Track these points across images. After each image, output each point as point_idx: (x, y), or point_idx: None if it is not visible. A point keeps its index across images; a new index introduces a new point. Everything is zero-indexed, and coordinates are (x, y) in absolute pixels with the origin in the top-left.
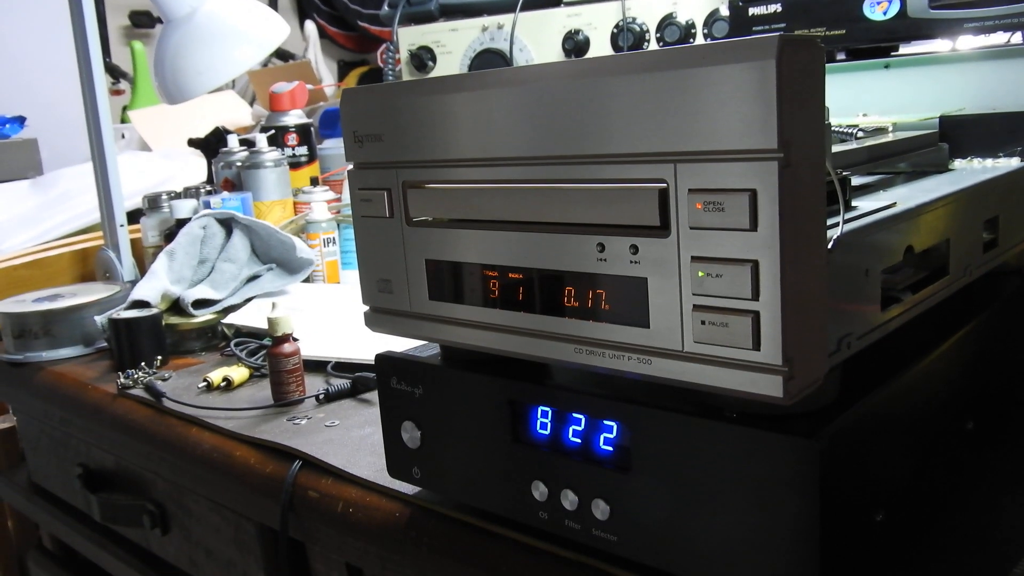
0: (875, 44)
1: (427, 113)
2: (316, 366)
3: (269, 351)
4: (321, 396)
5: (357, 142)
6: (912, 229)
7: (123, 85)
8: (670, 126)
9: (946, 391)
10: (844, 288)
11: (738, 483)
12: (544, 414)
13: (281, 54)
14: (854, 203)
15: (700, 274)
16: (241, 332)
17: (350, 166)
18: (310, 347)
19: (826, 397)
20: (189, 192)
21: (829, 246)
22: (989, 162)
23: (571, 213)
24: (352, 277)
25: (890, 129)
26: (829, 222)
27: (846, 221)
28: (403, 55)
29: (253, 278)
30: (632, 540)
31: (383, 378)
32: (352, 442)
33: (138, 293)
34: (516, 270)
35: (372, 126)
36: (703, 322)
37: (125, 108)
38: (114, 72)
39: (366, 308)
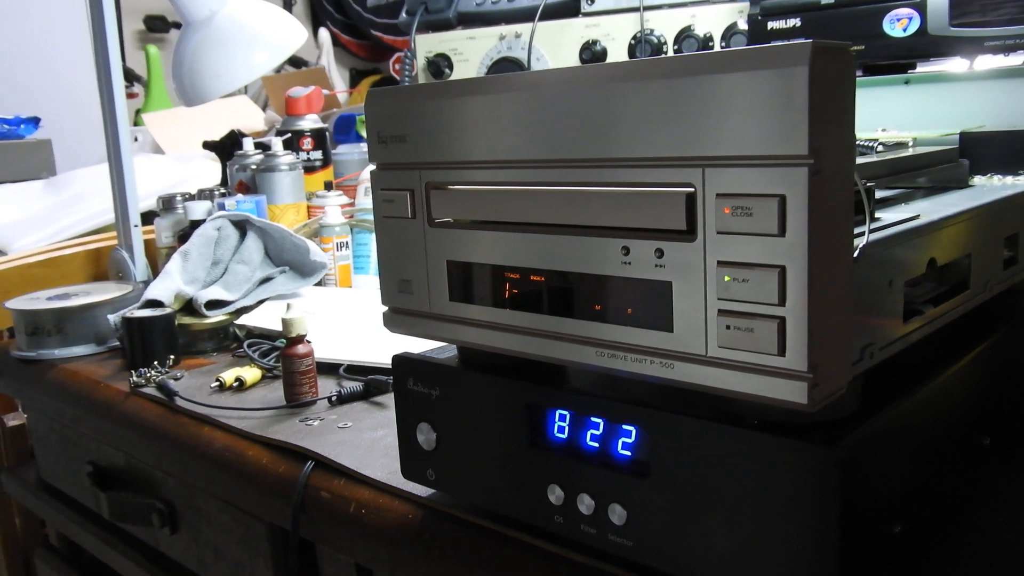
0: (895, 60)
1: (451, 115)
2: (328, 368)
3: (283, 352)
4: (334, 398)
5: (381, 143)
6: (935, 242)
7: (136, 89)
8: (699, 131)
9: (964, 406)
10: (868, 298)
11: (757, 491)
12: (562, 418)
13: (294, 61)
14: (877, 215)
15: (726, 279)
16: (253, 333)
17: (373, 167)
18: (322, 350)
19: (846, 408)
20: (203, 194)
21: (855, 255)
22: (1009, 179)
23: (596, 216)
24: (364, 282)
25: (910, 144)
26: (854, 231)
27: (871, 231)
28: (420, 62)
29: (266, 280)
30: (648, 546)
31: (400, 379)
32: (365, 444)
33: (152, 293)
34: (538, 272)
35: (396, 127)
36: (728, 327)
37: (138, 112)
38: (128, 76)
39: (385, 309)
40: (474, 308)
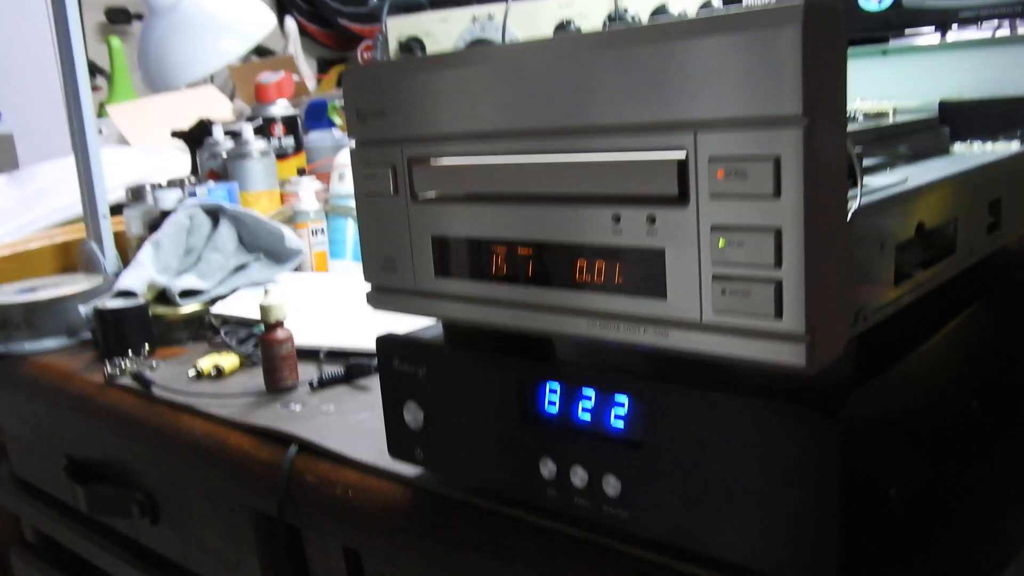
0: (870, 33)
1: (432, 88)
2: (307, 355)
3: (262, 338)
4: (315, 383)
5: (360, 119)
6: (924, 205)
7: (100, 82)
8: (690, 94)
9: (953, 371)
10: (860, 261)
11: (754, 458)
12: (553, 391)
13: (261, 51)
14: (865, 180)
15: (721, 243)
16: (229, 322)
17: (352, 144)
18: (301, 336)
19: (842, 373)
20: (174, 183)
21: (848, 217)
22: (989, 146)
23: (585, 185)
24: (341, 267)
25: (891, 113)
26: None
27: (864, 194)
28: (392, 46)
29: (240, 268)
30: (644, 517)
31: (384, 360)
32: (349, 427)
33: (124, 283)
34: (526, 244)
35: (375, 103)
36: (723, 291)
37: (102, 105)
38: (90, 69)
39: (368, 287)
40: (461, 283)
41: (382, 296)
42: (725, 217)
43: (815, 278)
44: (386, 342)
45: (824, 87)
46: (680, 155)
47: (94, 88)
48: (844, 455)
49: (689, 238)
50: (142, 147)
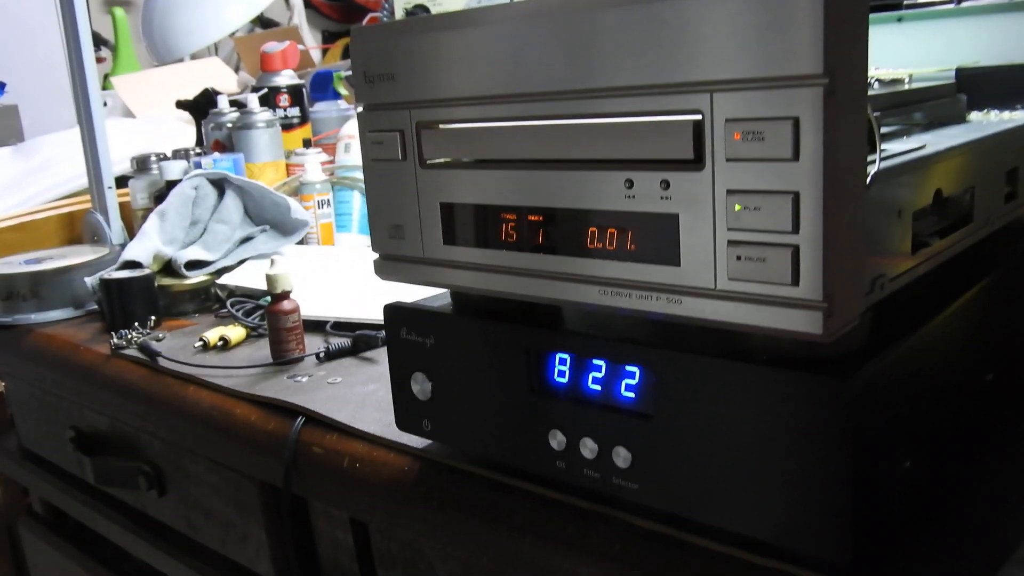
0: (886, 1)
1: (441, 49)
2: (314, 326)
3: (268, 309)
4: (322, 354)
5: (368, 82)
6: (941, 172)
7: (104, 53)
8: (706, 54)
9: (968, 342)
10: (878, 228)
11: (768, 428)
12: (563, 361)
13: (265, 23)
14: (882, 146)
15: (736, 208)
16: (235, 293)
17: (360, 108)
18: (307, 307)
19: (857, 342)
20: (179, 154)
21: (867, 182)
22: (1006, 114)
23: (597, 149)
24: (347, 240)
25: (907, 80)
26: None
27: (881, 159)
28: (398, 15)
29: (246, 240)
30: (654, 488)
31: (392, 329)
32: (356, 398)
33: (129, 253)
34: (536, 211)
35: (383, 65)
36: (738, 258)
37: (106, 76)
38: (95, 40)
39: (375, 256)
40: (470, 251)
41: (390, 265)
42: (742, 181)
43: (833, 244)
44: (394, 311)
45: (845, 46)
46: (696, 117)
47: (98, 60)
48: (858, 424)
49: (704, 203)
50: (147, 118)
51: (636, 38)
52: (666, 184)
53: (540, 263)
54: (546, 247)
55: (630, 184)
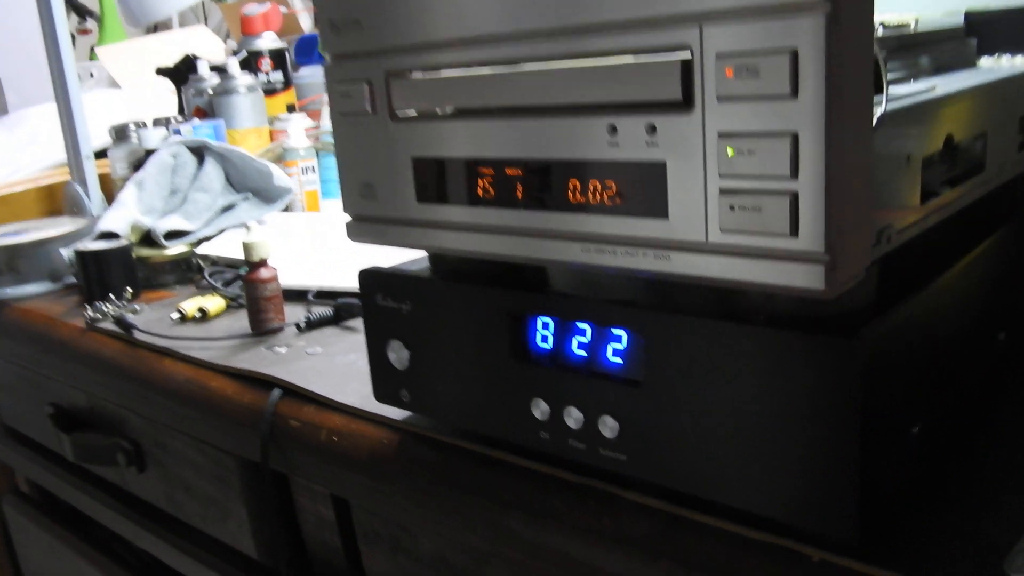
0: None
1: None
2: (297, 296)
3: (245, 277)
4: (302, 324)
5: (334, 30)
6: (953, 116)
7: (91, 24)
8: None
9: (979, 299)
10: (885, 175)
11: (767, 394)
12: (545, 326)
13: None
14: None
15: (729, 152)
16: (218, 263)
17: (327, 58)
18: (290, 277)
19: (863, 299)
20: (159, 122)
21: (873, 124)
22: (1019, 59)
23: (577, 93)
24: (333, 207)
25: (913, 25)
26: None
27: (888, 100)
28: None
29: (228, 208)
30: (644, 459)
31: (367, 296)
32: (336, 369)
33: (105, 224)
34: (514, 163)
35: (349, 10)
36: (732, 207)
37: (94, 48)
38: (80, 11)
39: (347, 218)
40: (445, 209)
41: (361, 226)
42: (734, 122)
43: (835, 191)
44: (369, 276)
45: None
46: (684, 54)
47: (85, 31)
48: (865, 387)
49: (694, 148)
50: (132, 88)
51: None
52: (652, 129)
53: (519, 220)
54: (526, 203)
55: (613, 130)
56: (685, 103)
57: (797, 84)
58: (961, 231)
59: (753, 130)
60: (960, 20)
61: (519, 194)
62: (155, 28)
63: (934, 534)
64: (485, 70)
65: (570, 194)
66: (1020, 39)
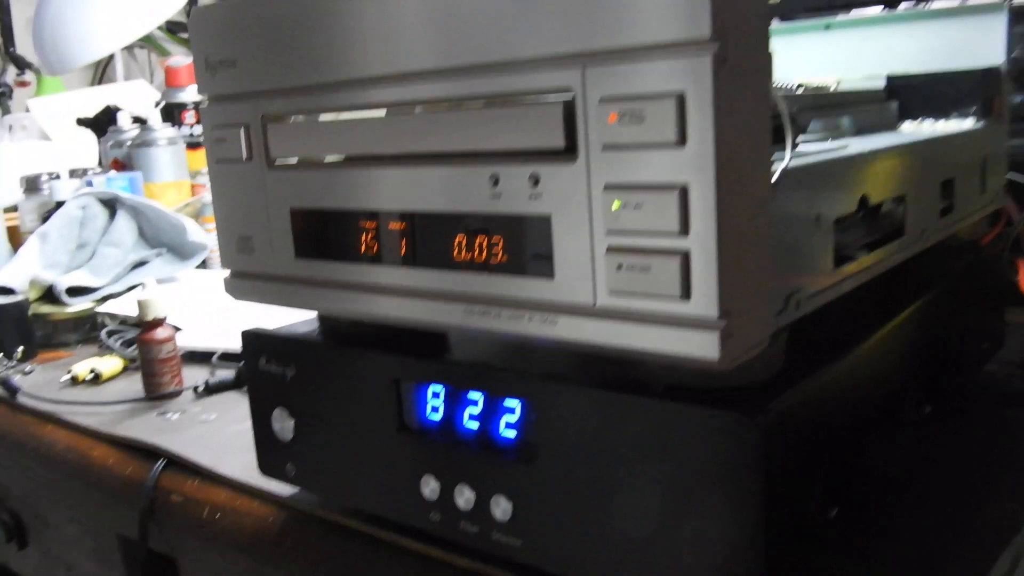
0: (814, 10)
1: (285, 31)
2: (202, 358)
3: (139, 337)
4: (200, 388)
5: (209, 70)
6: (867, 176)
7: (29, 76)
8: (575, 19)
9: (902, 369)
10: (792, 235)
11: (665, 471)
12: (435, 395)
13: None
14: (801, 147)
15: (615, 205)
16: (126, 322)
17: (204, 100)
18: (195, 338)
19: (770, 368)
20: (75, 173)
21: (774, 179)
22: (940, 124)
23: (459, 140)
24: None
25: (833, 87)
26: (774, 155)
27: (794, 155)
28: None
29: (140, 264)
30: (539, 544)
31: (251, 359)
32: (226, 438)
33: (1, 279)
34: (395, 216)
35: (225, 49)
36: (619, 267)
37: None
38: (18, 62)
39: (226, 274)
40: (324, 265)
41: (240, 283)
42: (620, 173)
43: (731, 250)
44: (252, 337)
45: (739, 3)
46: (566, 96)
47: (23, 83)
48: (768, 468)
49: (579, 201)
50: (62, 141)
51: (497, 6)
52: (536, 180)
53: (401, 278)
54: (408, 259)
55: (495, 181)
56: (568, 151)
57: (685, 131)
58: (882, 298)
59: (640, 182)
60: (882, 84)
61: (402, 250)
62: (100, 81)
63: None
64: (367, 114)
65: (456, 251)
66: (942, 105)
